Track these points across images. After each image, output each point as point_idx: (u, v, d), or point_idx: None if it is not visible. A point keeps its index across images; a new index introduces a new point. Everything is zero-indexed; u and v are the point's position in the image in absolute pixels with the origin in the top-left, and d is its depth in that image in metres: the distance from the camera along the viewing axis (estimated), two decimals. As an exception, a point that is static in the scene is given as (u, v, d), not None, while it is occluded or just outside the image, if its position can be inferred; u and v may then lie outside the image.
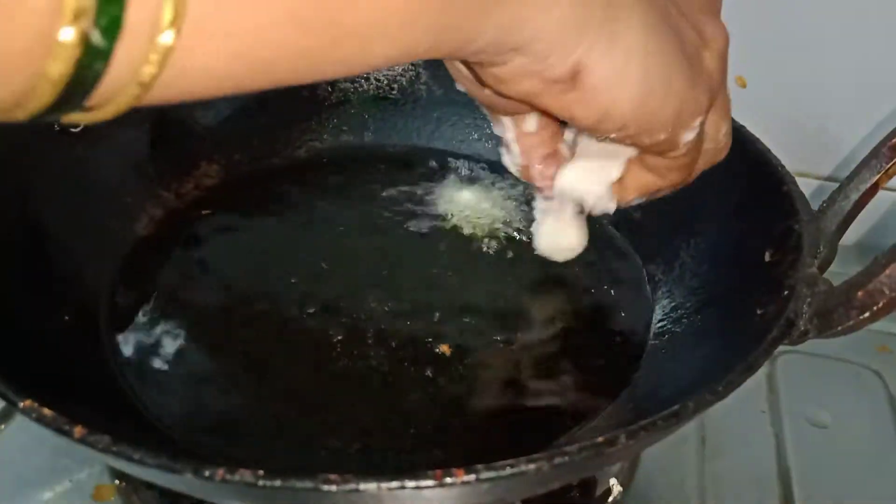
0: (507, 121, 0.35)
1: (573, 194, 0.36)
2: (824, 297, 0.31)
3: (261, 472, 0.23)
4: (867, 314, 0.28)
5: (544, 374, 0.39)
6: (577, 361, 0.40)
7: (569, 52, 0.25)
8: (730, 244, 0.41)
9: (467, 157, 0.54)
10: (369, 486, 0.23)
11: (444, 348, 0.40)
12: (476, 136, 0.55)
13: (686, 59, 0.29)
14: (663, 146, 0.31)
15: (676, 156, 0.32)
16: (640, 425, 0.26)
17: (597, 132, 0.29)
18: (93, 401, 0.33)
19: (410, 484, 0.23)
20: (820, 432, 0.47)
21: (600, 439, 0.24)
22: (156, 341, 0.39)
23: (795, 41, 0.55)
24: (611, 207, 0.36)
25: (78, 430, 0.24)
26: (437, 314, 0.41)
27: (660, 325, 0.42)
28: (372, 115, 0.55)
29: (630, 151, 0.34)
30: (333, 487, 0.23)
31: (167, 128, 0.49)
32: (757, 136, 0.56)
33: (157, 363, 0.38)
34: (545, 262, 0.41)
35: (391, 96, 0.55)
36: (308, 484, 0.23)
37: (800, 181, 0.40)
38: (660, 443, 0.30)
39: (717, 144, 0.34)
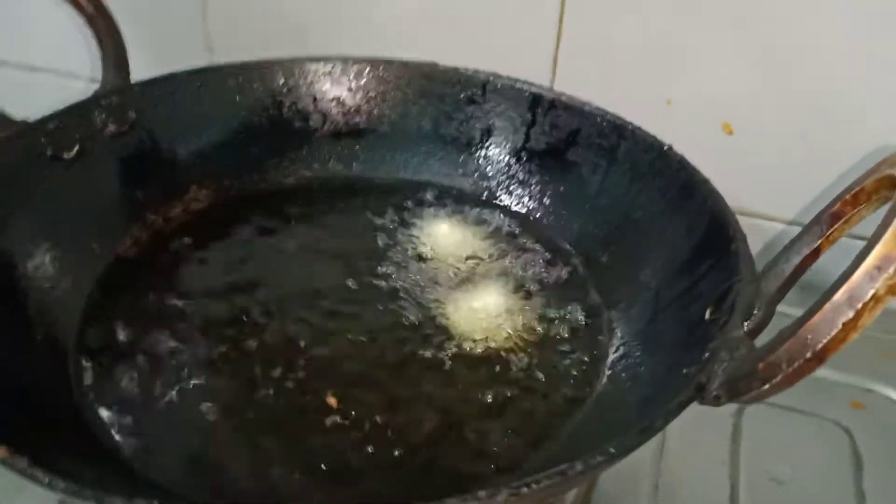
0: None
1: None
2: (738, 363, 0.31)
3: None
4: (767, 387, 0.29)
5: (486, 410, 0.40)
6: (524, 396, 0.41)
7: None
8: (679, 297, 0.42)
9: (451, 191, 0.56)
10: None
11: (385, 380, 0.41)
12: (461, 171, 0.56)
13: None
14: None
15: None
16: (523, 482, 0.27)
17: None
18: (54, 429, 0.36)
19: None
20: (777, 487, 0.47)
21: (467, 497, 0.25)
22: (122, 366, 0.41)
23: (786, 88, 0.54)
24: None
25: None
26: (391, 345, 0.43)
27: (609, 371, 0.43)
28: (361, 147, 0.57)
29: None
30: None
31: (158, 153, 0.51)
32: (742, 181, 0.56)
33: (123, 390, 0.40)
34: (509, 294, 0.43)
35: (381, 130, 0.57)
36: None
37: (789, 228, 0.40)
38: (614, 486, 0.31)
39: None
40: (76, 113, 0.48)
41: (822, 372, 0.52)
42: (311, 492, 0.36)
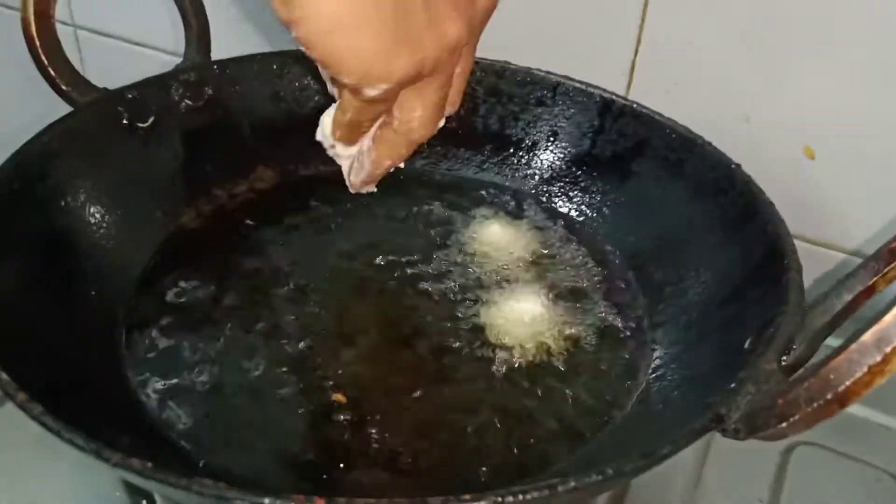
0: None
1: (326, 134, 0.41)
2: (761, 397, 0.29)
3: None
4: (784, 425, 0.27)
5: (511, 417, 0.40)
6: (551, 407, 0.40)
7: None
8: (724, 324, 0.40)
9: (509, 192, 0.55)
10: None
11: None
12: (522, 173, 0.56)
13: (400, 28, 0.33)
14: (347, 90, 0.35)
15: (356, 99, 0.35)
16: (508, 491, 0.26)
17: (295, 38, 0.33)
18: (102, 406, 0.37)
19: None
20: (816, 535, 0.44)
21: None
22: (167, 334, 0.42)
23: (881, 111, 0.51)
24: (340, 153, 0.42)
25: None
26: (428, 343, 0.43)
27: (642, 391, 0.41)
28: (426, 143, 0.57)
29: None
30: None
31: (229, 129, 0.53)
32: (820, 207, 0.53)
33: (164, 358, 0.41)
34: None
35: (447, 126, 0.57)
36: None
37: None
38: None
39: (408, 124, 0.39)
40: (155, 85, 0.50)
41: (878, 417, 0.50)
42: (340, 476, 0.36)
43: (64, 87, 0.46)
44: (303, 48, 0.33)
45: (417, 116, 0.38)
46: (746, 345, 0.36)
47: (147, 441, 0.36)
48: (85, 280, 0.43)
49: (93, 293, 0.42)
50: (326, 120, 0.41)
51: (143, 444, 0.36)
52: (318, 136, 0.42)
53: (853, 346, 0.25)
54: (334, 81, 0.39)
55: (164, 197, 0.50)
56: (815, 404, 0.26)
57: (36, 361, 0.35)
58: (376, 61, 0.33)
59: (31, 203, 0.42)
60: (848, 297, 0.34)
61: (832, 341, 0.35)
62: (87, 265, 0.43)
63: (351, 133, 0.40)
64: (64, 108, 0.46)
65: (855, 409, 0.37)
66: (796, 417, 0.27)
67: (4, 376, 0.29)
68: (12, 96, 0.57)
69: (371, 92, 0.35)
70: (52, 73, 0.46)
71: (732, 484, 0.46)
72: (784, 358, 0.33)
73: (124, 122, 0.48)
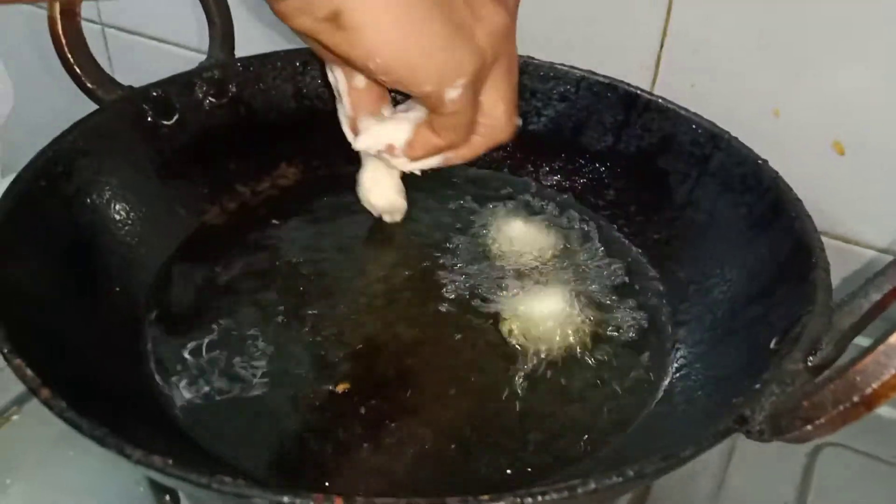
0: (338, 73, 0.43)
1: (372, 148, 0.44)
2: (786, 398, 0.29)
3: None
4: (810, 427, 0.26)
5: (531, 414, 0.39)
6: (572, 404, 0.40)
7: None
8: (749, 323, 0.39)
9: (532, 189, 0.55)
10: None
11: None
12: (544, 170, 0.55)
13: (452, 24, 0.35)
14: (432, 99, 0.37)
15: (446, 113, 0.38)
16: (527, 492, 0.26)
17: (368, 72, 0.36)
18: (124, 402, 0.37)
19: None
20: (843, 538, 0.43)
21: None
22: (188, 332, 0.42)
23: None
24: (406, 165, 0.44)
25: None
26: (446, 338, 0.43)
27: (666, 390, 0.41)
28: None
29: (419, 115, 0.42)
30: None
31: (253, 126, 0.53)
32: (842, 204, 0.52)
33: (185, 355, 0.41)
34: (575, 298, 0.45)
35: (470, 121, 0.56)
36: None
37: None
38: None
39: (495, 121, 0.40)
40: (179, 83, 0.50)
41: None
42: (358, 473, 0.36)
43: (89, 85, 0.46)
44: (380, 77, 0.36)
45: (502, 112, 0.40)
46: (772, 344, 0.35)
47: (169, 437, 0.36)
48: (109, 277, 0.43)
49: (117, 289, 0.43)
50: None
51: (165, 440, 0.36)
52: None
53: (881, 347, 0.24)
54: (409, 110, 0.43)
55: (187, 194, 0.50)
56: (842, 406, 0.25)
57: (59, 358, 0.35)
58: (447, 60, 0.35)
59: (57, 201, 0.42)
60: (876, 297, 0.33)
61: (861, 340, 0.35)
62: (112, 262, 0.44)
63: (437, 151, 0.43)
64: (89, 106, 0.47)
65: (883, 410, 0.36)
66: (822, 420, 0.26)
67: (29, 373, 0.30)
68: (38, 94, 0.58)
69: (453, 93, 0.36)
70: (77, 70, 0.46)
71: (757, 486, 0.45)
72: (811, 358, 0.32)
73: (149, 119, 0.48)
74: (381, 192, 0.49)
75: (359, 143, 0.45)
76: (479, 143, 0.42)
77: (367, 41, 0.33)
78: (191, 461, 0.28)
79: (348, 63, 0.36)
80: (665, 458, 0.28)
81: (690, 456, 0.28)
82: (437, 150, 0.42)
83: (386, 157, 0.45)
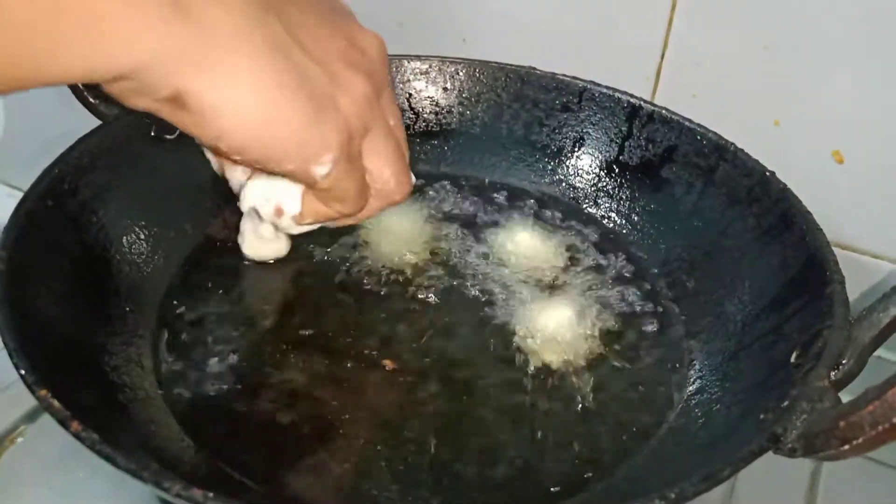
0: None
1: (253, 208, 0.42)
2: (818, 417, 0.29)
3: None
4: (847, 447, 0.27)
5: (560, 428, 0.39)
6: (586, 420, 0.40)
7: (168, 78, 0.29)
8: (764, 335, 0.40)
9: (534, 198, 0.55)
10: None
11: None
12: (548, 179, 0.55)
13: (311, 99, 0.32)
14: (299, 176, 0.35)
15: (323, 188, 0.36)
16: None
17: (220, 152, 0.33)
18: (138, 421, 0.37)
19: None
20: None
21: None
22: (199, 347, 0.42)
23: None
24: (292, 228, 0.42)
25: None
26: (453, 347, 0.43)
27: (682, 404, 0.41)
28: (451, 148, 0.57)
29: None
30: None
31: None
32: (848, 214, 0.53)
33: (197, 370, 0.41)
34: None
35: (472, 131, 0.57)
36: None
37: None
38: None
39: (384, 185, 0.38)
40: (181, 96, 0.49)
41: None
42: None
43: (92, 101, 0.46)
44: (235, 157, 0.33)
45: (389, 176, 0.38)
46: (793, 359, 0.36)
47: (193, 462, 0.36)
48: (118, 296, 0.42)
49: (127, 309, 0.42)
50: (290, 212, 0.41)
51: (189, 465, 0.35)
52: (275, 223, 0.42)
53: (921, 370, 0.25)
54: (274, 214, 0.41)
55: (191, 208, 0.49)
56: (881, 427, 0.26)
57: (76, 381, 0.35)
58: (310, 137, 0.33)
59: (64, 220, 0.41)
60: (895, 311, 0.34)
61: (883, 353, 0.35)
62: (120, 280, 0.43)
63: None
64: (92, 122, 0.46)
65: None
66: (859, 440, 0.26)
67: (56, 404, 0.29)
68: (41, 111, 0.57)
69: (321, 169, 0.34)
70: (79, 86, 0.45)
71: (766, 492, 0.46)
72: (833, 373, 0.33)
73: (152, 133, 0.47)
74: (264, 244, 0.47)
75: (245, 204, 0.42)
76: (374, 206, 0.40)
77: (216, 123, 0.30)
78: (206, 481, 0.28)
79: (197, 140, 0.33)
80: (705, 478, 0.28)
81: (728, 476, 0.28)
82: (330, 219, 0.40)
83: (274, 220, 0.42)
